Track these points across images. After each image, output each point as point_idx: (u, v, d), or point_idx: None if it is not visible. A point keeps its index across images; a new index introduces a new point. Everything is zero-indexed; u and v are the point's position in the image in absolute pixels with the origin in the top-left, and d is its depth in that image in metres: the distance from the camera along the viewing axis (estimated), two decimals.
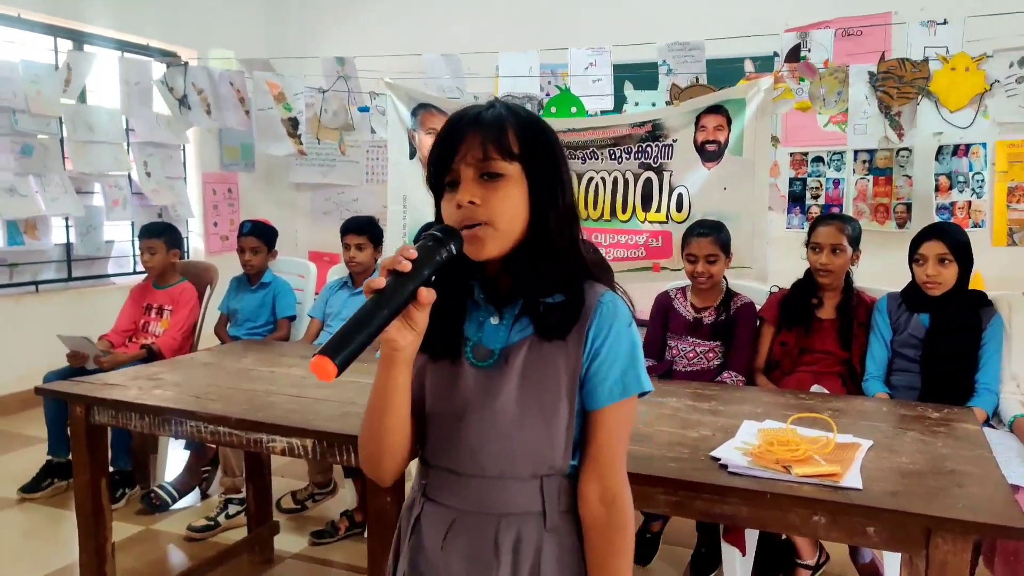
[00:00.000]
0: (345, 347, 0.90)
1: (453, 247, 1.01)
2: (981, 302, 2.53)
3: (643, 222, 3.69)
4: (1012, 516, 1.33)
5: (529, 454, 1.06)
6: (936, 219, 4.50)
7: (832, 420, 1.71)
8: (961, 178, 4.58)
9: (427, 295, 0.97)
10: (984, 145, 4.50)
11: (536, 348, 1.06)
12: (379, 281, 0.94)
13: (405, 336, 0.99)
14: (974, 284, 4.18)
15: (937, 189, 4.63)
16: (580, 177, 3.85)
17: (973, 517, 1.33)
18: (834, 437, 1.64)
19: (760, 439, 1.68)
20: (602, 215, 3.76)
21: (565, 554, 1.09)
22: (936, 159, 4.59)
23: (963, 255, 2.47)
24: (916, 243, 2.53)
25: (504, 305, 1.10)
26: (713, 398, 2.16)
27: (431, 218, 1.14)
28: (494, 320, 1.10)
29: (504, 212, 1.03)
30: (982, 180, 4.55)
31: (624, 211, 3.73)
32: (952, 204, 4.62)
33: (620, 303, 1.09)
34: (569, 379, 1.06)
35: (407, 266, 0.95)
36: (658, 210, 3.65)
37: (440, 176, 1.06)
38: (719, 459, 1.60)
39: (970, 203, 4.58)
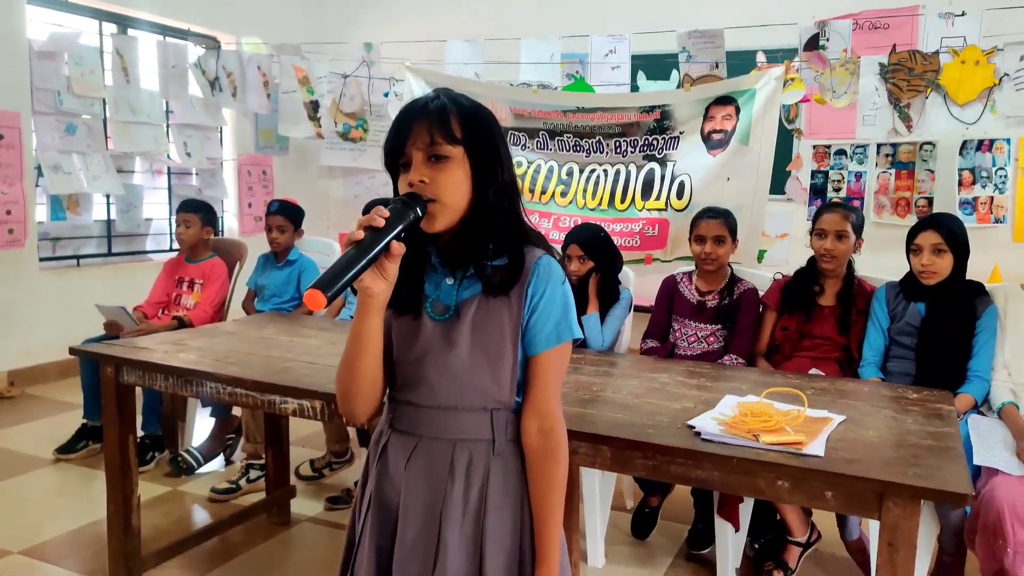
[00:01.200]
0: (333, 283, 1.07)
1: (419, 210, 1.17)
2: (977, 292, 2.57)
3: (641, 210, 3.74)
4: (958, 484, 1.41)
5: (479, 392, 1.24)
6: (958, 213, 4.51)
7: (805, 395, 1.79)
8: (984, 173, 4.57)
9: (398, 247, 1.14)
10: (1008, 141, 4.49)
11: (484, 304, 1.23)
12: (358, 233, 1.12)
13: (379, 284, 1.16)
14: (993, 278, 4.23)
15: (960, 184, 4.63)
16: (583, 170, 3.91)
17: (921, 483, 1.41)
18: (804, 410, 1.72)
19: (736, 411, 1.77)
20: (600, 204, 3.83)
21: (509, 475, 1.26)
22: (960, 154, 4.58)
23: (958, 245, 2.51)
24: (912, 234, 2.58)
25: (457, 268, 1.26)
26: (703, 375, 2.25)
27: None
28: (449, 281, 1.27)
29: (449, 189, 1.19)
30: (1005, 176, 4.54)
31: (623, 200, 3.79)
32: (975, 199, 4.62)
33: (554, 264, 1.26)
34: (512, 329, 1.23)
35: (381, 223, 1.12)
36: (657, 198, 3.70)
37: (395, 159, 1.22)
38: (694, 427, 1.70)
39: (992, 198, 4.58)
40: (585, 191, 3.85)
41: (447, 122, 1.19)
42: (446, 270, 1.27)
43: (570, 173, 3.95)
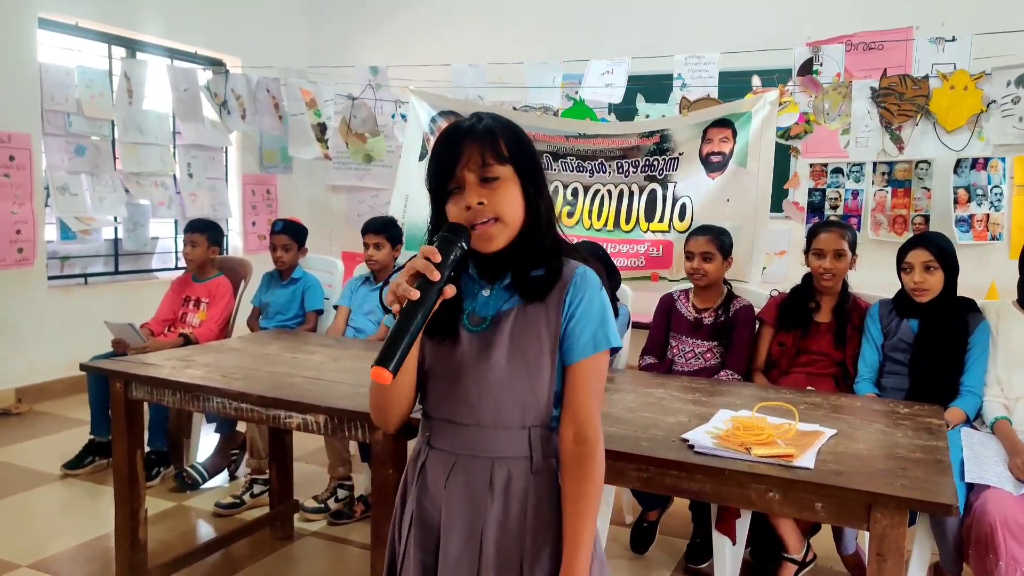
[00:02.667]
0: (394, 355, 1.09)
1: (463, 243, 1.18)
2: (969, 308, 2.61)
3: (645, 232, 3.82)
4: (944, 495, 1.45)
5: (517, 405, 1.25)
6: (954, 231, 4.56)
7: (797, 410, 1.83)
8: (980, 191, 4.63)
9: (450, 291, 1.17)
10: (1003, 159, 4.55)
11: (522, 314, 1.25)
12: (414, 292, 1.11)
13: None
14: (989, 295, 4.27)
15: (956, 202, 4.68)
16: (587, 189, 3.99)
17: (908, 494, 1.45)
18: (795, 424, 1.77)
19: (729, 425, 1.82)
20: (605, 225, 3.90)
21: (550, 494, 1.27)
22: (955, 172, 4.65)
23: (948, 262, 2.57)
24: (903, 252, 2.64)
25: (494, 279, 1.28)
26: (698, 390, 2.30)
27: (429, 216, 1.32)
28: (486, 292, 1.28)
29: (508, 207, 1.22)
30: (1000, 193, 4.60)
31: (628, 221, 3.86)
32: (971, 217, 4.67)
33: (591, 273, 1.28)
34: (551, 339, 1.24)
35: (437, 275, 1.12)
36: (661, 220, 3.78)
37: (443, 182, 1.23)
38: (688, 440, 1.75)
39: (988, 216, 4.63)
40: (591, 212, 3.93)
41: (496, 142, 1.21)
42: (483, 281, 1.28)
43: (575, 193, 4.02)
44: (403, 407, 1.30)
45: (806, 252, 2.90)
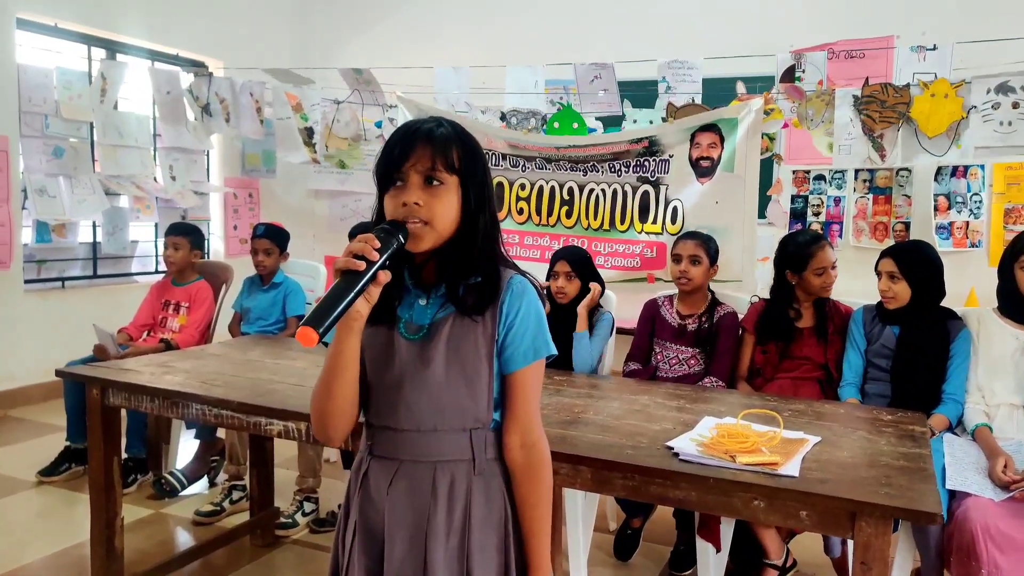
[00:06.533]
0: (325, 318, 1.11)
1: (402, 237, 1.21)
2: (949, 316, 2.64)
3: (640, 233, 3.86)
4: (928, 503, 1.45)
5: (457, 411, 1.27)
6: (934, 238, 4.60)
7: (782, 417, 1.83)
8: (959, 199, 4.68)
9: (384, 276, 1.18)
10: (982, 167, 4.60)
11: (458, 322, 1.27)
12: (356, 263, 1.13)
13: (365, 307, 1.19)
14: (969, 302, 4.31)
15: (936, 209, 4.73)
16: (582, 188, 4.01)
17: (891, 502, 1.45)
18: (780, 432, 1.77)
19: (714, 432, 1.81)
20: (602, 224, 3.93)
21: (492, 493, 1.30)
22: (936, 180, 4.69)
23: (912, 273, 2.60)
24: (877, 261, 2.69)
25: (430, 288, 1.30)
26: (683, 397, 2.29)
27: None
28: (422, 301, 1.30)
29: (441, 215, 1.24)
30: (980, 201, 4.65)
31: (623, 222, 3.88)
32: (951, 224, 4.72)
33: (527, 283, 1.31)
34: (487, 347, 1.27)
35: (376, 256, 1.15)
36: (654, 222, 3.81)
37: (389, 173, 1.25)
38: (673, 448, 1.74)
39: (968, 223, 4.68)
40: (587, 211, 3.95)
41: (449, 151, 1.24)
42: (419, 291, 1.30)
43: (571, 192, 4.04)
44: (345, 421, 1.29)
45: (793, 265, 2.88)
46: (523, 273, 1.33)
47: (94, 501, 2.40)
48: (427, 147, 1.23)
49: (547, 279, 3.01)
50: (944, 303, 2.68)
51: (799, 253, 2.84)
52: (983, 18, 4.51)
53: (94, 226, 5.30)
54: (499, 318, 1.26)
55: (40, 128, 4.78)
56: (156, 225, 5.68)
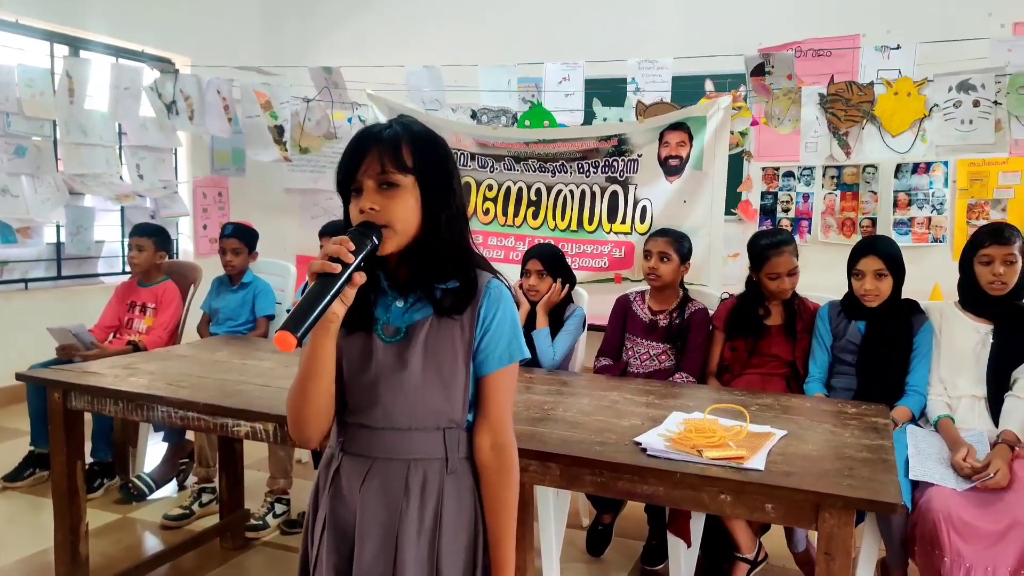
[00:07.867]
0: (302, 322, 1.10)
1: (375, 238, 1.21)
2: (913, 310, 2.68)
3: (608, 233, 3.86)
4: (889, 494, 1.47)
5: (432, 412, 1.28)
6: (892, 234, 4.67)
7: (748, 411, 1.85)
8: (921, 195, 4.75)
9: (359, 277, 1.18)
10: (946, 164, 4.68)
11: (435, 325, 1.27)
12: (331, 266, 1.14)
13: (340, 309, 1.19)
14: (934, 296, 4.38)
15: (896, 205, 4.81)
16: (550, 189, 4.01)
17: (854, 493, 1.47)
18: (746, 426, 1.78)
19: (682, 427, 1.82)
20: (569, 225, 3.93)
21: (463, 493, 1.31)
22: (896, 176, 4.77)
23: (896, 268, 2.64)
24: (854, 258, 2.69)
25: (407, 291, 1.30)
26: (652, 393, 2.31)
27: None
28: (399, 303, 1.30)
29: (399, 216, 1.23)
30: (943, 197, 4.73)
31: (591, 222, 3.89)
32: (911, 220, 4.80)
33: (503, 287, 1.32)
34: (464, 349, 1.28)
35: (351, 258, 1.15)
36: (623, 221, 3.81)
37: (347, 184, 1.26)
38: (640, 444, 1.75)
39: (930, 219, 4.76)
40: (554, 212, 3.95)
41: (399, 151, 1.23)
42: (396, 293, 1.30)
43: (539, 193, 4.04)
44: (322, 422, 1.29)
45: (758, 269, 2.89)
46: (496, 274, 1.33)
47: (57, 507, 2.36)
48: (376, 150, 1.23)
49: (520, 277, 3.02)
50: (904, 298, 2.72)
51: (759, 254, 2.87)
52: (946, 17, 4.58)
53: (58, 227, 5.21)
54: (476, 321, 1.27)
55: (2, 127, 4.68)
56: (122, 225, 5.59)
